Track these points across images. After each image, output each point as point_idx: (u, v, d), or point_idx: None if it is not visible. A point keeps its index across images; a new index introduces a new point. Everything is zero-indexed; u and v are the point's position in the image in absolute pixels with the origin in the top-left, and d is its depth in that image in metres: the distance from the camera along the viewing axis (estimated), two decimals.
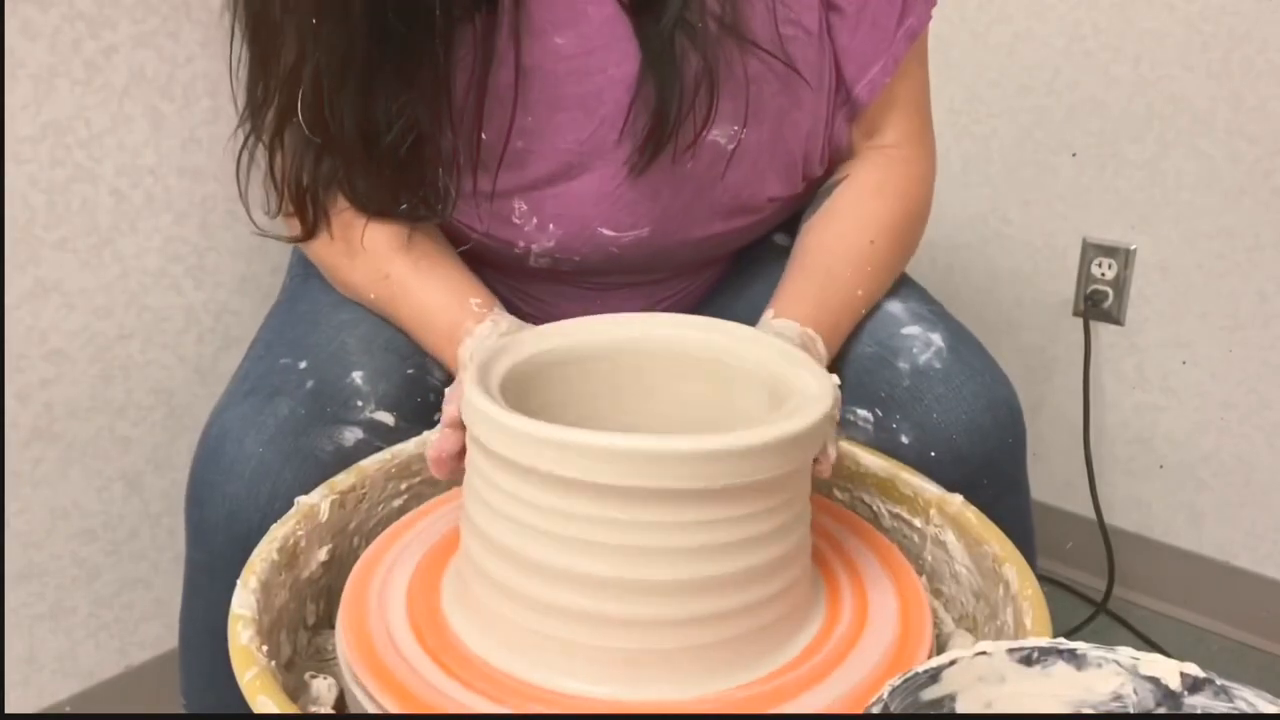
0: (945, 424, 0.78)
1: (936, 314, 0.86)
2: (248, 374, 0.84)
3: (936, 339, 0.82)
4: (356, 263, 0.86)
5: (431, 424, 0.83)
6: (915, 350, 0.81)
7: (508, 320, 0.81)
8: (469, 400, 0.60)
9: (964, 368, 0.81)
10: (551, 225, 0.86)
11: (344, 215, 0.85)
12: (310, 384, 0.80)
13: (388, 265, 0.85)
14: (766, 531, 0.58)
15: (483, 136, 0.82)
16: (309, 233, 0.86)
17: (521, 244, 0.87)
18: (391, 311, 0.86)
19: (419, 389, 0.84)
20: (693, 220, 0.87)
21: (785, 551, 0.60)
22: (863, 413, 0.81)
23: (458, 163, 0.82)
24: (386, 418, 0.81)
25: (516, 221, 0.86)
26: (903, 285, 0.90)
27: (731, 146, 0.83)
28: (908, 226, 0.90)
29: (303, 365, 0.81)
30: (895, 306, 0.86)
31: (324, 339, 0.84)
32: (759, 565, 0.58)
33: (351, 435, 0.79)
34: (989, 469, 0.76)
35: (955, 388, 0.79)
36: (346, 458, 0.77)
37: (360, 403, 0.80)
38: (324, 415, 0.78)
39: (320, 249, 0.88)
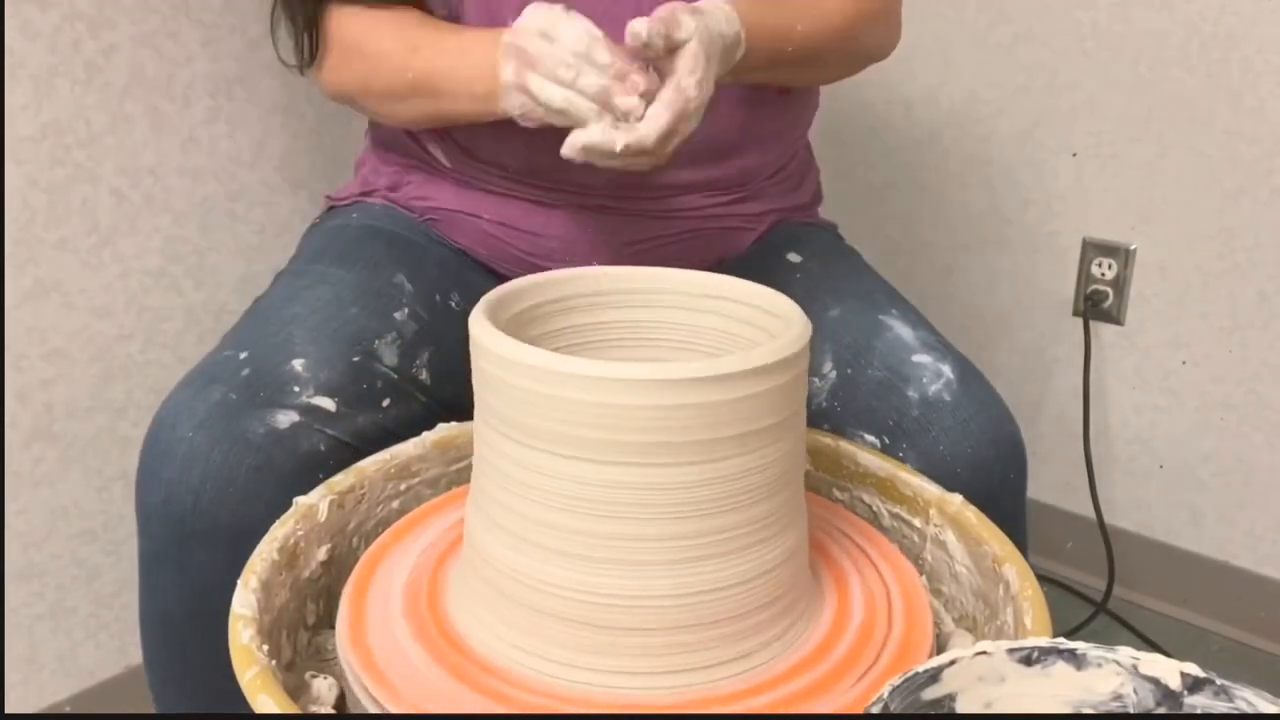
0: (951, 457, 0.79)
1: (944, 344, 0.86)
2: (193, 369, 0.84)
3: (946, 370, 0.82)
4: (379, 65, 0.89)
5: (376, 410, 0.84)
6: (925, 380, 0.82)
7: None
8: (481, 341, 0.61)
9: (972, 401, 0.81)
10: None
11: (348, 31, 0.91)
12: (246, 371, 0.80)
13: (412, 44, 0.87)
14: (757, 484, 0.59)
15: None
16: (312, 53, 0.92)
17: None
18: (429, 82, 0.87)
19: (364, 375, 0.84)
20: None
21: (775, 508, 0.60)
22: (870, 438, 0.82)
23: None
24: (326, 403, 0.81)
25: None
26: (910, 311, 0.90)
27: None
28: (860, 19, 0.93)
29: (243, 355, 0.82)
30: (905, 332, 0.86)
31: (271, 331, 0.84)
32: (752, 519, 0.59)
33: (286, 418, 0.78)
34: (990, 503, 0.76)
35: (963, 421, 0.80)
36: (280, 440, 0.77)
37: (298, 388, 0.80)
38: (256, 399, 0.78)
39: (338, 71, 0.93)
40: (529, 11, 0.79)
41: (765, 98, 0.96)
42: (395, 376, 0.86)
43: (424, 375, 0.88)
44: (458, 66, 0.84)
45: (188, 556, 0.75)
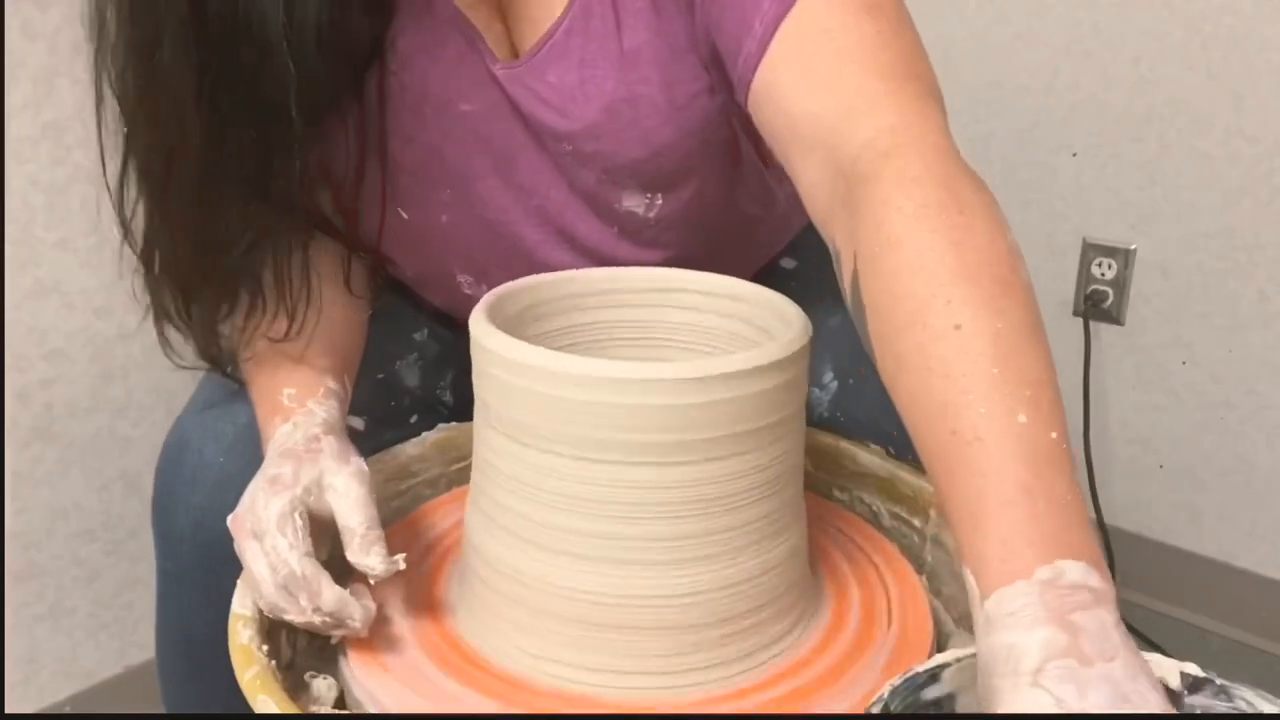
0: None
1: None
2: (203, 386, 0.82)
3: None
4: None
5: (403, 425, 0.82)
6: None
7: (319, 417, 0.69)
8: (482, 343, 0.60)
9: None
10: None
11: None
12: None
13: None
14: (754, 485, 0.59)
15: (403, 215, 0.77)
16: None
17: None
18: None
19: (389, 393, 0.83)
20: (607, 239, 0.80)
21: (774, 509, 0.60)
22: (875, 449, 0.79)
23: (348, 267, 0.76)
24: (356, 422, 0.79)
25: (467, 293, 0.82)
26: None
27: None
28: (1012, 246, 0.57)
29: None
30: None
31: None
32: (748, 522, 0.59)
33: None
34: None
35: None
36: None
37: None
38: None
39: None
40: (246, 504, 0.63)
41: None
42: (420, 394, 0.85)
43: (447, 396, 0.87)
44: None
45: (217, 580, 0.71)
